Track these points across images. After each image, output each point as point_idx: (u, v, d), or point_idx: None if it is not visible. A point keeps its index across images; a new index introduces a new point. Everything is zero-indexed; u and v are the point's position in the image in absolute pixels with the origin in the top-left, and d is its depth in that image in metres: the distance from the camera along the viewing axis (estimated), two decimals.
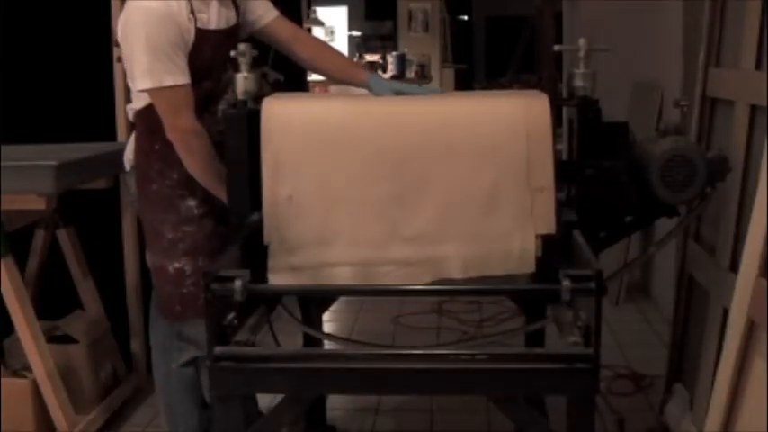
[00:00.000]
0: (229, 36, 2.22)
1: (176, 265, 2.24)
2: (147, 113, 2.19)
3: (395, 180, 1.86)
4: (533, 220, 1.81)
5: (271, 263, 1.83)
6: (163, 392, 2.49)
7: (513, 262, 1.81)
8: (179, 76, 2.09)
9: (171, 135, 2.13)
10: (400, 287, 1.81)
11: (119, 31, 2.16)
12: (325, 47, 2.46)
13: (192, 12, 2.12)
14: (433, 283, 1.81)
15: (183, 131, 2.12)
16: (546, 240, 1.80)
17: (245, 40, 2.09)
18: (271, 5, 2.35)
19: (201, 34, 2.14)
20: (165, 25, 2.06)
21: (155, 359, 2.49)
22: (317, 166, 1.87)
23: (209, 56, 2.16)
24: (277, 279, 1.83)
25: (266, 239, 1.85)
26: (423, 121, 1.91)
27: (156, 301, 2.42)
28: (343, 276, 1.82)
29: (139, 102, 2.22)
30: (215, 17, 2.19)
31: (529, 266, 1.80)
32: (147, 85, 2.09)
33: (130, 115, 2.32)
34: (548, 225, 1.82)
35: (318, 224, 1.85)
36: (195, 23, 2.12)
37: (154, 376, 2.54)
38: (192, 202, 2.24)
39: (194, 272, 2.22)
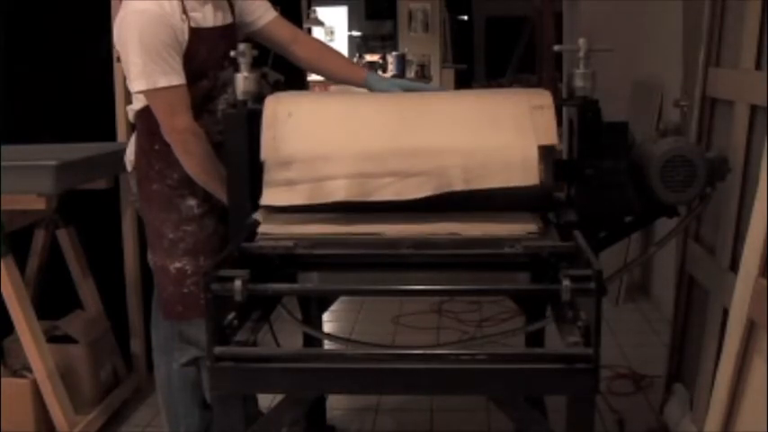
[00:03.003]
0: (225, 34, 2.22)
1: (177, 264, 2.24)
2: (147, 114, 2.19)
3: (396, 103, 1.97)
4: (534, 132, 1.82)
5: (266, 177, 1.84)
6: (163, 392, 2.49)
7: (516, 172, 1.78)
8: (174, 77, 2.09)
9: (168, 136, 2.13)
10: (400, 287, 1.80)
11: (114, 33, 2.17)
12: (324, 47, 2.46)
13: (185, 11, 2.12)
14: (432, 283, 1.81)
15: (179, 132, 2.12)
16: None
17: (243, 41, 2.10)
18: (269, 6, 2.35)
19: (196, 33, 2.14)
20: (158, 26, 2.06)
21: (156, 359, 2.49)
22: (319, 96, 1.99)
23: (204, 55, 2.17)
24: (272, 194, 1.83)
25: (263, 155, 1.86)
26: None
27: (157, 301, 2.42)
28: (340, 190, 1.80)
29: (138, 102, 2.23)
30: (210, 15, 2.19)
31: (532, 177, 1.78)
32: (142, 86, 2.09)
33: (131, 116, 2.32)
34: (549, 136, 1.82)
35: (316, 138, 1.86)
36: (189, 23, 2.12)
37: (155, 376, 2.54)
38: (192, 202, 2.24)
39: (196, 272, 2.23)
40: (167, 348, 2.40)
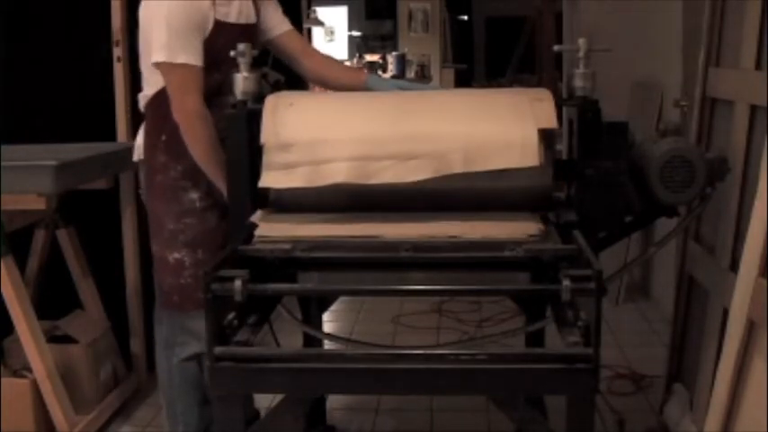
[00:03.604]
0: (245, 33, 2.26)
1: (176, 255, 2.28)
2: (157, 103, 2.23)
3: (396, 97, 2.07)
4: (534, 118, 1.82)
5: (265, 160, 1.85)
6: (164, 388, 2.49)
7: (516, 154, 1.78)
8: (193, 57, 2.14)
9: (177, 115, 2.16)
10: (400, 287, 1.79)
11: (140, 10, 2.23)
12: (331, 61, 2.54)
13: (214, 2, 2.19)
14: (432, 283, 1.80)
15: (188, 112, 2.16)
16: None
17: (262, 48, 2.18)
18: (286, 19, 2.43)
19: (219, 25, 2.20)
20: (188, 8, 2.14)
21: (158, 354, 2.49)
22: (319, 93, 2.06)
23: (222, 48, 2.19)
24: (271, 177, 1.83)
25: (263, 139, 1.87)
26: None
27: (158, 293, 2.43)
28: (339, 173, 1.79)
29: (151, 87, 2.27)
30: (234, 12, 2.25)
31: (532, 158, 1.77)
32: (162, 58, 2.14)
33: (141, 105, 2.35)
34: (549, 121, 1.83)
35: (317, 124, 1.88)
36: (215, 13, 2.19)
37: (157, 372, 2.53)
38: (194, 195, 2.27)
39: (193, 264, 2.26)
40: (169, 343, 2.41)
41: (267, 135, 1.87)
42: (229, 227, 2.04)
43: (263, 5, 2.36)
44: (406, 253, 1.73)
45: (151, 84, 2.26)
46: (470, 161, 1.78)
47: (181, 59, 2.13)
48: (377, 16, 10.08)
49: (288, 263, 1.79)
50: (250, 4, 2.31)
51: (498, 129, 1.82)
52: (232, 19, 2.24)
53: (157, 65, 2.16)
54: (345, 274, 1.87)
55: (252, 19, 2.31)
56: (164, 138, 2.25)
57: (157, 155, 2.28)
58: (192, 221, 2.27)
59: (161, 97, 2.21)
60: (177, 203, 2.27)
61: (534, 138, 1.79)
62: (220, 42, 2.18)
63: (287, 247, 1.74)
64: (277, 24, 2.39)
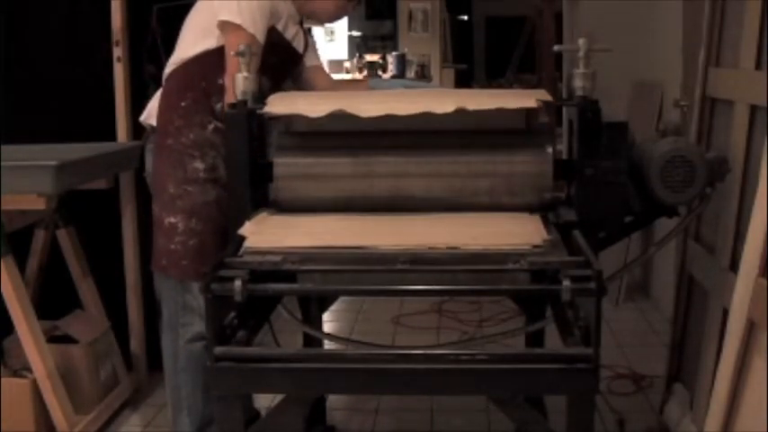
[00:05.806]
0: (288, 53, 2.40)
1: (171, 220, 2.33)
2: (189, 68, 2.31)
3: (399, 90, 2.34)
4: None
5: (268, 108, 1.93)
6: (170, 373, 2.47)
7: (512, 98, 1.90)
8: (261, 37, 2.24)
9: (229, 79, 2.20)
10: (400, 287, 1.76)
11: None
12: (340, 83, 2.77)
13: (282, 15, 2.33)
14: (432, 283, 1.79)
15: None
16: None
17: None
18: (319, 55, 2.63)
19: (276, 33, 2.30)
20: (273, 3, 2.29)
21: (163, 338, 2.48)
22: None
23: (263, 52, 2.25)
24: (272, 107, 1.92)
25: (268, 100, 1.96)
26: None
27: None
28: (336, 105, 1.86)
29: (189, 51, 2.32)
30: (290, 36, 2.39)
31: (529, 101, 1.87)
32: (237, 20, 2.22)
33: (168, 70, 2.39)
34: (544, 96, 1.90)
35: (321, 101, 1.98)
36: (277, 22, 2.31)
37: (162, 355, 2.50)
38: (199, 165, 2.32)
39: (185, 231, 2.31)
40: (172, 324, 2.41)
41: (273, 96, 1.98)
42: (228, 203, 2.11)
43: (310, 41, 2.54)
44: (402, 266, 1.63)
45: (190, 47, 2.32)
46: (465, 102, 1.85)
47: (252, 31, 2.21)
48: (377, 16, 10.07)
49: (279, 275, 1.71)
50: (302, 36, 2.46)
51: (496, 96, 1.94)
52: (287, 37, 2.38)
53: (228, 24, 2.22)
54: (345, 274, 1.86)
55: (300, 49, 2.46)
56: (183, 104, 2.32)
57: (174, 118, 2.34)
58: (193, 190, 2.32)
59: (203, 60, 2.29)
60: (182, 169, 2.33)
61: (531, 97, 1.87)
62: (266, 47, 2.26)
63: (277, 259, 1.65)
64: (309, 56, 2.54)
